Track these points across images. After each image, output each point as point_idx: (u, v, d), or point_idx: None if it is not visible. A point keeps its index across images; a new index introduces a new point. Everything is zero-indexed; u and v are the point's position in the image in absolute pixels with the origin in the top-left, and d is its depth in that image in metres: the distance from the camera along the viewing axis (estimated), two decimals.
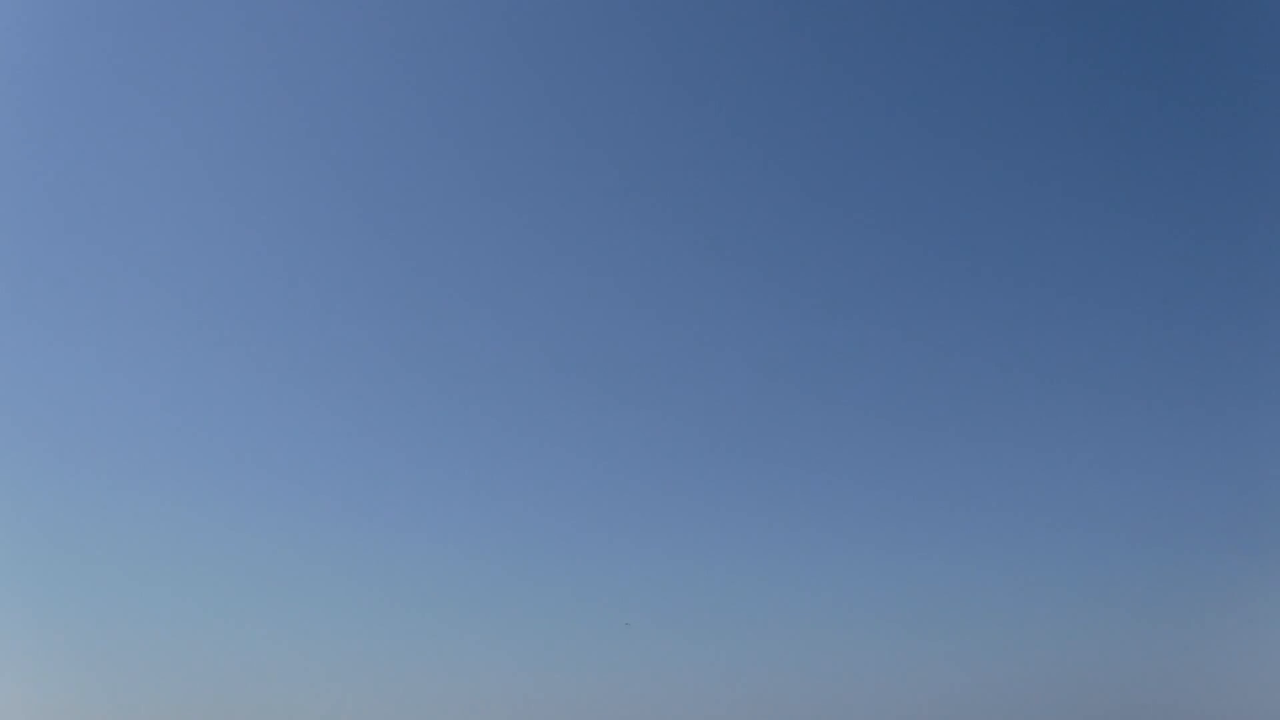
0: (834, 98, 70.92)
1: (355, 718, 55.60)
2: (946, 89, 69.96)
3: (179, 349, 67.65)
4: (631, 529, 63.31)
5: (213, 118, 68.99)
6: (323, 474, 65.36)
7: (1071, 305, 66.39)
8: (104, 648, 57.67)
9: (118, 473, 64.30)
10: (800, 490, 63.44)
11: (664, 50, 70.89)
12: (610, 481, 65.21)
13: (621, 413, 66.89)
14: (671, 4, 70.98)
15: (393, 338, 69.57)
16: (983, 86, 69.79)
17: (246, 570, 61.81)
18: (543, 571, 62.35)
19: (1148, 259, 66.69)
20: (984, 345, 66.93)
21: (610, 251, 71.57)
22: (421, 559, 62.85)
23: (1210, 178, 66.06)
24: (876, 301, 69.11)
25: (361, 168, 71.07)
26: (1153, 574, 57.72)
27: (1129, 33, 67.36)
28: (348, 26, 69.85)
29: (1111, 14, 67.65)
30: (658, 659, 57.82)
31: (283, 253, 70.31)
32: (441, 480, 65.96)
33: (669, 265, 70.96)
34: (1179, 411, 63.13)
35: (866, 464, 64.40)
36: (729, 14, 70.30)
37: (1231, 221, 65.02)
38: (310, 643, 59.06)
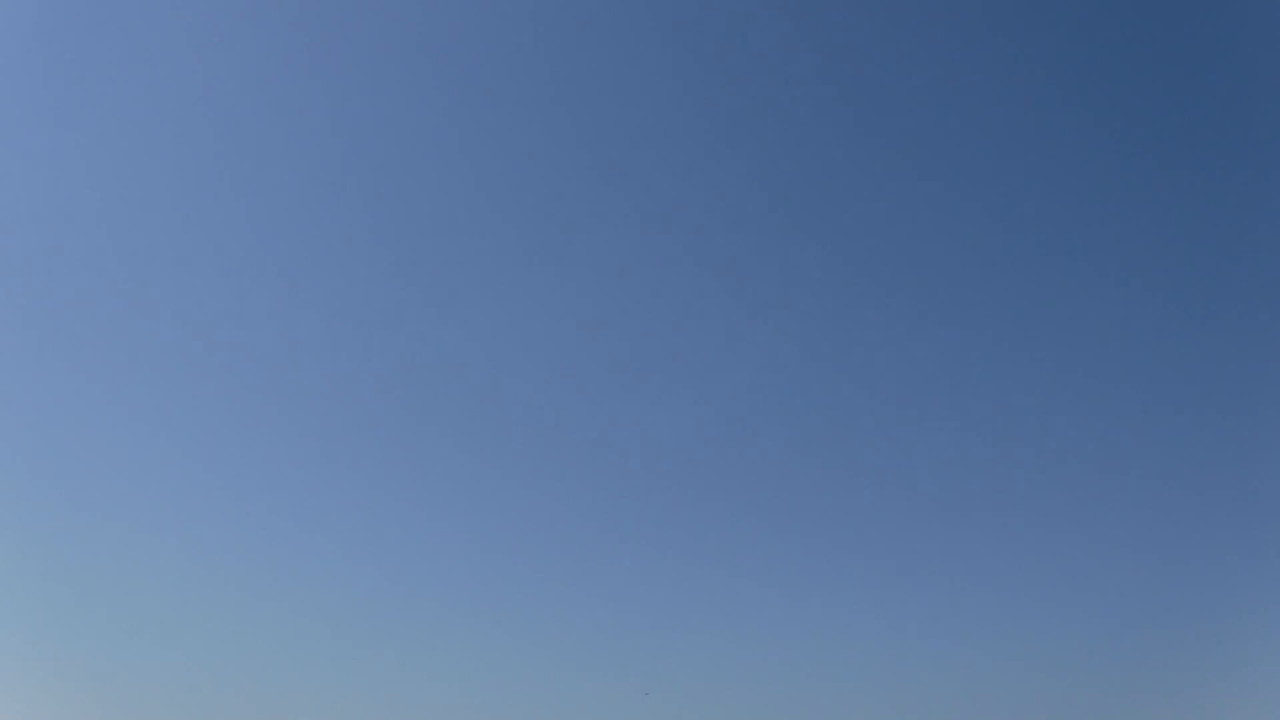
0: (835, 103, 70.35)
1: None
2: (945, 97, 69.37)
3: (162, 358, 67.46)
4: (653, 593, 62.19)
5: (194, 123, 69.02)
6: (319, 534, 63.90)
7: (1075, 310, 66.00)
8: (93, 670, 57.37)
9: (97, 490, 63.57)
10: (829, 561, 62.56)
11: (663, 54, 70.58)
12: (631, 545, 63.85)
13: (642, 479, 66.00)
14: (665, 8, 70.68)
15: (384, 351, 69.03)
16: (984, 93, 69.24)
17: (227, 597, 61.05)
18: (558, 637, 60.93)
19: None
20: (984, 349, 66.39)
21: (607, 261, 71.13)
22: (425, 619, 61.31)
23: (1218, 182, 65.58)
24: (883, 320, 68.42)
25: (349, 172, 70.69)
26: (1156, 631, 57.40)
27: (1133, 37, 66.87)
28: (323, 34, 69.68)
29: (1114, 17, 67.15)
30: None
31: (261, 262, 69.84)
32: (446, 534, 64.51)
33: (667, 277, 70.42)
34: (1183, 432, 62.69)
35: (889, 532, 63.31)
36: (724, 17, 69.90)
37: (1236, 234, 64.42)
38: (306, 699, 58.03)
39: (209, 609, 59.80)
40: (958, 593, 60.16)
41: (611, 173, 70.76)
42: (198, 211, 69.17)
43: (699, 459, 65.99)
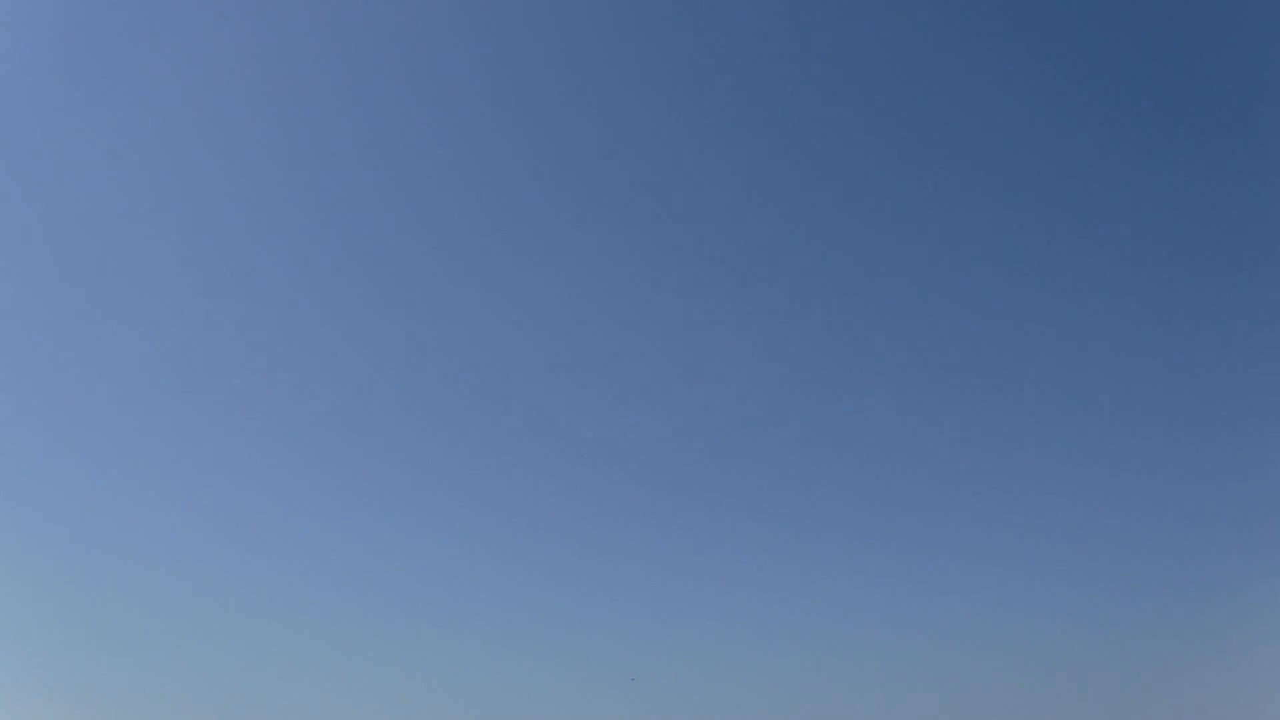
0: (833, 105, 70.41)
1: None
2: (948, 90, 69.56)
3: (153, 364, 66.54)
4: (637, 580, 62.65)
5: (184, 128, 67.98)
6: (313, 539, 63.99)
7: (1076, 317, 66.48)
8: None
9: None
10: (812, 543, 62.84)
11: (662, 57, 70.22)
12: (616, 531, 64.36)
13: (628, 466, 66.01)
14: (662, 10, 70.27)
15: (379, 350, 68.70)
16: (983, 95, 69.47)
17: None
18: (545, 625, 61.37)
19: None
20: (983, 338, 66.91)
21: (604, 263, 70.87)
22: (418, 612, 61.72)
23: (1218, 180, 66.17)
24: (882, 322, 68.59)
25: (346, 172, 70.02)
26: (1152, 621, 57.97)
27: (1133, 41, 67.28)
28: (321, 36, 68.73)
29: (1114, 21, 67.53)
30: (662, 716, 56.98)
31: (253, 266, 69.32)
32: (439, 528, 64.74)
33: (663, 277, 70.22)
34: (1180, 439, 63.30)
35: (873, 512, 63.86)
36: (723, 20, 69.63)
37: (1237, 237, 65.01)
38: (302, 694, 57.83)
39: (203, 615, 60.07)
40: (956, 584, 60.91)
41: (613, 170, 70.92)
42: (187, 218, 68.93)
43: (692, 452, 66.72)
